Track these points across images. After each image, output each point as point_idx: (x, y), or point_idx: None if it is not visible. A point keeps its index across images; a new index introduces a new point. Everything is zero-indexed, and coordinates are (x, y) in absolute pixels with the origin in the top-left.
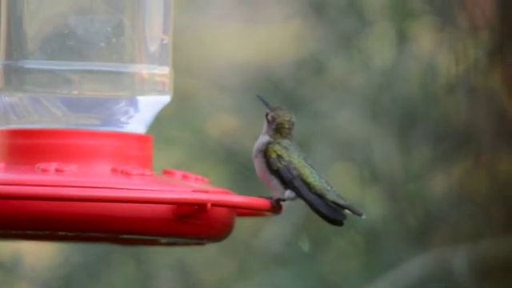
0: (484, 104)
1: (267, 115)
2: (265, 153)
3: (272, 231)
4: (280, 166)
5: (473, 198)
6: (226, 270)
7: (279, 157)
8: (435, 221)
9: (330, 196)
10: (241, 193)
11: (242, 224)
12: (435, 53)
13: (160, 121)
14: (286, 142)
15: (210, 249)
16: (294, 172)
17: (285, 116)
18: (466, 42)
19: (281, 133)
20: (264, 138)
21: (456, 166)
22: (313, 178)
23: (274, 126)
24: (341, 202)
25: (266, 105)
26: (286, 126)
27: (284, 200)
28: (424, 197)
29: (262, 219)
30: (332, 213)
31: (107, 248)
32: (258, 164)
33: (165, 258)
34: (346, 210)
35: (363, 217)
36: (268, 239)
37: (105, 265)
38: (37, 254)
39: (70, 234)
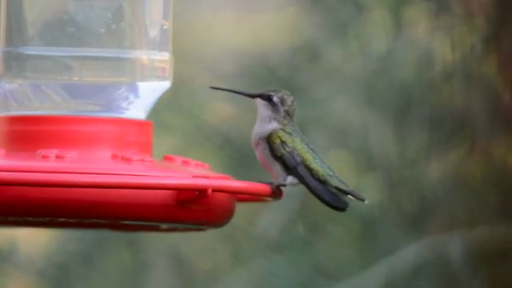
0: (479, 90)
1: (270, 99)
2: (268, 138)
3: (268, 218)
4: (284, 152)
5: (468, 184)
6: (221, 257)
7: (283, 143)
8: (431, 207)
9: (333, 182)
10: (237, 179)
11: (237, 211)
12: (431, 39)
13: (156, 107)
14: (289, 128)
15: (206, 236)
16: (298, 158)
17: (290, 97)
18: (461, 28)
19: (291, 115)
20: (271, 125)
21: (451, 153)
22: (316, 164)
23: (285, 108)
24: (343, 187)
25: (260, 94)
26: (293, 107)
27: (285, 185)
28: (419, 183)
29: (257, 206)
30: (334, 200)
31: (103, 235)
32: (260, 150)
33: (160, 245)
34: (349, 196)
35: (366, 202)
36: (264, 226)
37: (100, 252)
38: (32, 241)
39: (70, 220)
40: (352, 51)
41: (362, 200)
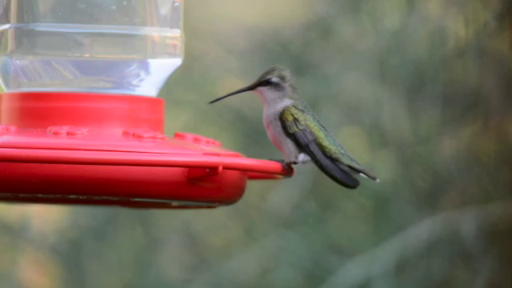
0: (493, 67)
1: (270, 82)
2: (280, 116)
3: (280, 194)
4: (297, 130)
5: (481, 161)
6: (233, 234)
7: (296, 120)
8: (444, 184)
9: (345, 160)
10: (249, 156)
11: (249, 187)
12: (444, 15)
13: (167, 83)
14: (301, 104)
15: (218, 213)
16: (310, 136)
17: (286, 70)
18: (475, 4)
19: (295, 87)
20: (284, 102)
21: (464, 129)
22: (328, 142)
23: (288, 83)
24: (355, 165)
25: (246, 89)
26: (294, 78)
27: (296, 163)
28: (432, 160)
29: (269, 182)
30: (345, 177)
31: (114, 212)
32: (273, 128)
33: (172, 221)
34: (361, 174)
35: (377, 180)
36: (276, 202)
37: (112, 228)
38: (44, 217)
39: (81, 197)
40: (364, 27)
41: (374, 178)
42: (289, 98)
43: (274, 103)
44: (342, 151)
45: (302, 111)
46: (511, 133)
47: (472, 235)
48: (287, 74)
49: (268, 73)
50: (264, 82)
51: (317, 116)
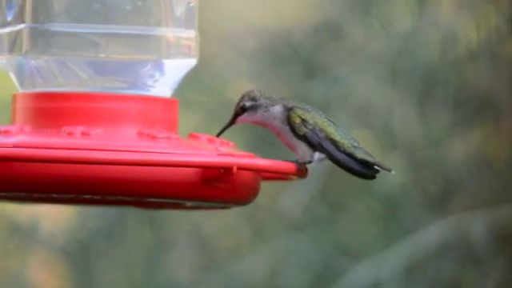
0: (504, 70)
1: (245, 108)
2: (288, 119)
3: (290, 196)
4: (306, 130)
5: (492, 164)
6: (242, 236)
7: (304, 121)
8: (454, 187)
9: (359, 154)
10: (262, 157)
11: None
12: (455, 18)
13: (179, 85)
14: (302, 104)
15: (227, 214)
16: (321, 134)
17: (253, 90)
18: (486, 7)
19: (273, 97)
20: (275, 111)
21: (475, 132)
22: (339, 136)
23: (263, 98)
24: (369, 159)
25: (229, 124)
26: (263, 91)
27: (311, 162)
28: (443, 163)
29: (279, 184)
30: (363, 168)
31: (124, 212)
32: (283, 133)
33: (181, 223)
34: (375, 166)
35: (392, 172)
36: (286, 204)
37: (122, 229)
38: (54, 218)
39: (94, 197)
40: (375, 30)
41: (389, 170)
42: (275, 105)
43: (267, 118)
44: (355, 144)
45: (308, 110)
46: None
47: (482, 238)
48: (255, 92)
49: (239, 102)
50: (240, 111)
51: (321, 111)
